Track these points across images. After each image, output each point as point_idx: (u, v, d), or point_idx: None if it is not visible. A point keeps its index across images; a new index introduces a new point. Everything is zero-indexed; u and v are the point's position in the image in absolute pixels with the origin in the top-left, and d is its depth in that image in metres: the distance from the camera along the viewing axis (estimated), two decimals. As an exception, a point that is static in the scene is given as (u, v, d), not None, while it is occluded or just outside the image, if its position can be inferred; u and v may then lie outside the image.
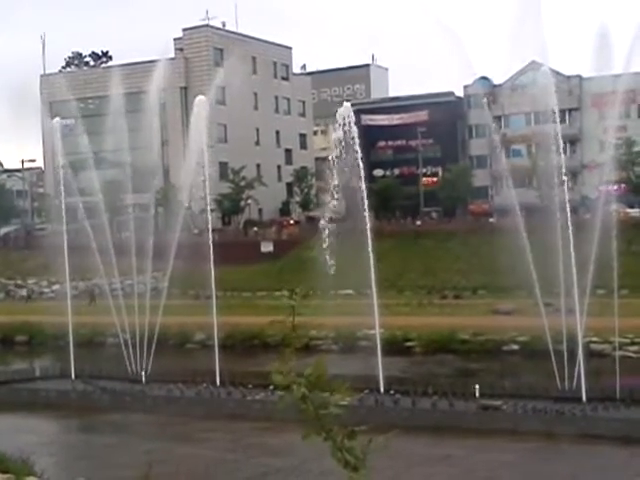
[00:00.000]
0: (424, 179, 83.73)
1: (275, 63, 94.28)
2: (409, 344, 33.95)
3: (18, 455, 15.97)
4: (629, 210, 63.64)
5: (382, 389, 25.02)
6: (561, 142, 25.63)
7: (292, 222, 77.13)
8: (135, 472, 13.06)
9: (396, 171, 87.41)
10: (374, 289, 25.44)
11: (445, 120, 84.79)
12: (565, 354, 23.82)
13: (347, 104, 27.88)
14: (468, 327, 35.17)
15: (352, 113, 26.79)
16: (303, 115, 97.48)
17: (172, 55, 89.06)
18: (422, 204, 79.00)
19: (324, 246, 23.71)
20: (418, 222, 69.04)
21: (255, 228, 72.56)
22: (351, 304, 28.39)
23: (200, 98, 30.61)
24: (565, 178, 25.45)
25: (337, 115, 26.16)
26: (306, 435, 2.33)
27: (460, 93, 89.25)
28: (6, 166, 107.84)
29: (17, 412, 25.66)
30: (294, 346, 2.33)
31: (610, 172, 30.54)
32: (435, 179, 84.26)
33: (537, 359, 24.72)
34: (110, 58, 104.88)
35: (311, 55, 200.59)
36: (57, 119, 34.19)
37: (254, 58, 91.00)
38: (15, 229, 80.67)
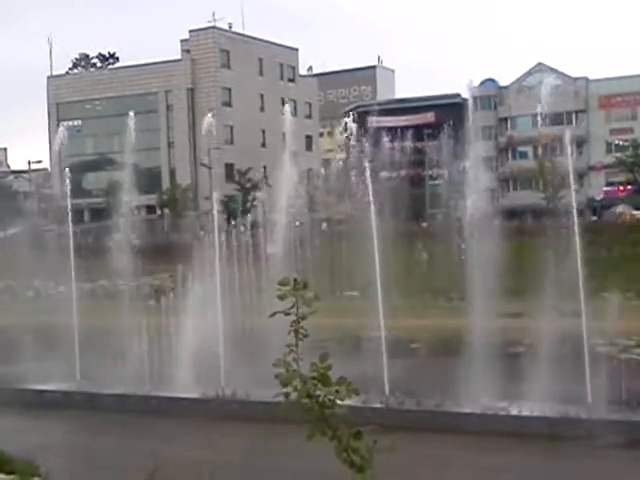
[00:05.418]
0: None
1: (281, 65, 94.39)
2: (414, 346, 33.92)
3: (23, 456, 15.96)
4: (635, 212, 63.49)
5: (387, 390, 25.07)
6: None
7: (298, 224, 77.02)
8: (140, 474, 13.07)
9: (402, 172, 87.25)
10: (379, 291, 25.47)
11: (451, 122, 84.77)
12: (570, 357, 23.77)
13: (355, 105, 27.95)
14: (473, 329, 35.01)
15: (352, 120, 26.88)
16: (309, 117, 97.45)
17: (179, 57, 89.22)
18: (428, 206, 78.89)
19: (329, 248, 23.74)
20: (424, 224, 68.95)
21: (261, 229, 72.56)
22: (356, 306, 28.41)
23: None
24: (572, 179, 25.47)
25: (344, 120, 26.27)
26: (310, 435, 2.33)
27: (466, 95, 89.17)
28: (13, 167, 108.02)
29: (22, 413, 25.67)
30: (299, 338, 2.33)
31: (616, 174, 30.52)
32: (441, 181, 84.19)
33: (542, 361, 24.64)
34: (117, 59, 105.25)
35: (318, 57, 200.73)
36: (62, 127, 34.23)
37: (260, 60, 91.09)
38: (21, 230, 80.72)
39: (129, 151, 32.10)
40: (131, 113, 29.30)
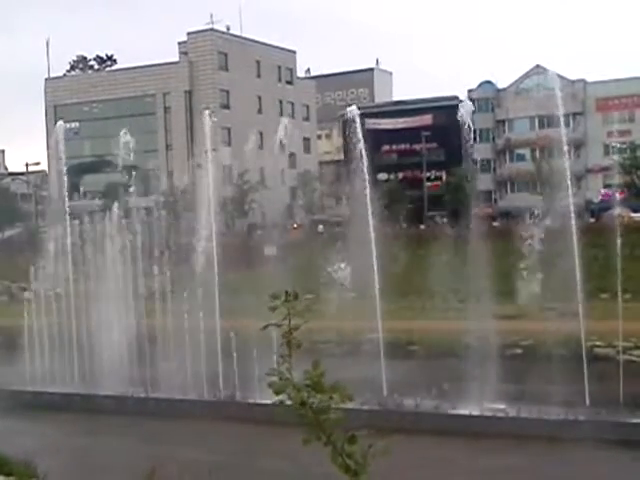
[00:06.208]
0: (428, 183, 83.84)
1: (279, 67, 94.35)
2: (412, 347, 33.91)
3: (21, 458, 15.94)
4: (633, 214, 63.45)
5: (385, 392, 25.07)
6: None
7: (295, 226, 77.06)
8: (138, 476, 13.06)
9: (400, 175, 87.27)
10: (377, 293, 25.46)
11: (449, 124, 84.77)
12: (569, 358, 23.78)
13: (353, 107, 28.00)
14: (471, 331, 35.02)
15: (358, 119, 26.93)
16: (307, 119, 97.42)
17: (176, 59, 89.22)
18: (426, 208, 78.95)
19: (327, 250, 23.75)
20: (422, 226, 69.01)
21: (259, 232, 72.56)
22: (354, 308, 28.41)
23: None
24: (569, 182, 25.49)
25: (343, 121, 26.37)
26: (306, 440, 2.33)
27: (464, 97, 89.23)
28: (10, 169, 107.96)
29: (20, 415, 25.66)
30: (293, 348, 2.33)
31: (614, 176, 30.59)
32: (439, 183, 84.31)
33: (540, 363, 24.69)
34: (115, 62, 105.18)
35: (315, 59, 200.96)
36: (60, 122, 34.25)
37: (258, 62, 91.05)
38: (18, 232, 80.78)
39: (127, 153, 32.10)
40: (125, 128, 29.23)
